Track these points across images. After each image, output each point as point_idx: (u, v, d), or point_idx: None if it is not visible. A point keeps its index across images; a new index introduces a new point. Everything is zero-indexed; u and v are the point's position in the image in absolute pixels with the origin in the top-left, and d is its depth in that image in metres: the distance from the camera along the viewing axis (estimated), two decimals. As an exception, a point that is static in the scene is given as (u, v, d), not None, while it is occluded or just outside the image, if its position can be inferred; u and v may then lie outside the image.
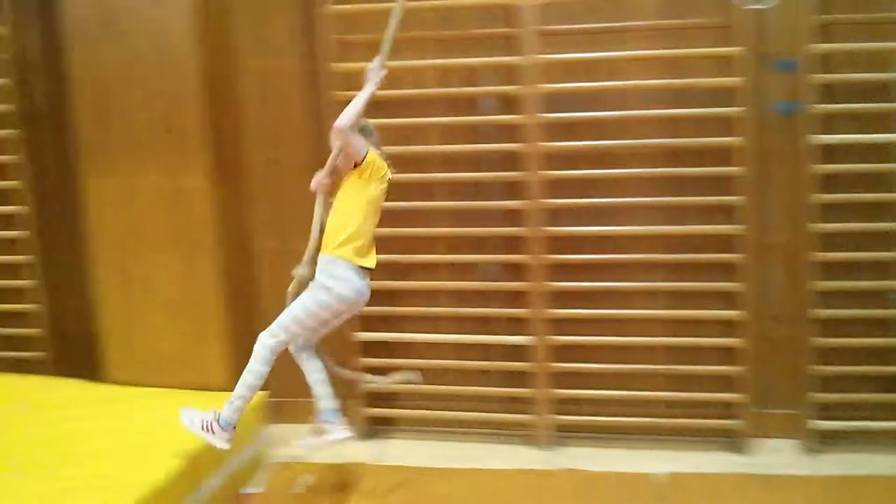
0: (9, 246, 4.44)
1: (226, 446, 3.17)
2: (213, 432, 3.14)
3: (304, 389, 3.39)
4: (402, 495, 3.52)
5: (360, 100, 3.07)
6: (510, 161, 3.99)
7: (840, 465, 3.74)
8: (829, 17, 3.73)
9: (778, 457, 3.87)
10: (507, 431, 4.19)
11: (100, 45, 3.87)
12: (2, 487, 3.01)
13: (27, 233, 4.39)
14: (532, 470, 3.80)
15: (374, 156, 3.12)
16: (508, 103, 3.99)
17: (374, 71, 3.12)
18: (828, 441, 3.93)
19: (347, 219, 3.11)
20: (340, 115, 3.02)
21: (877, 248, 3.82)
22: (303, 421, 3.54)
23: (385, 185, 3.19)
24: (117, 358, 4.14)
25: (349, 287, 3.11)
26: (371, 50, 3.18)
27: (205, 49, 3.88)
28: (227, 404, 3.15)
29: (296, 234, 3.41)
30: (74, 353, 4.45)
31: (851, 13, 3.76)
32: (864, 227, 3.80)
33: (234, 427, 3.18)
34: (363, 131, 3.17)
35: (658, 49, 3.86)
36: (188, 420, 3.19)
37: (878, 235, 3.82)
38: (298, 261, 3.25)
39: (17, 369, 4.37)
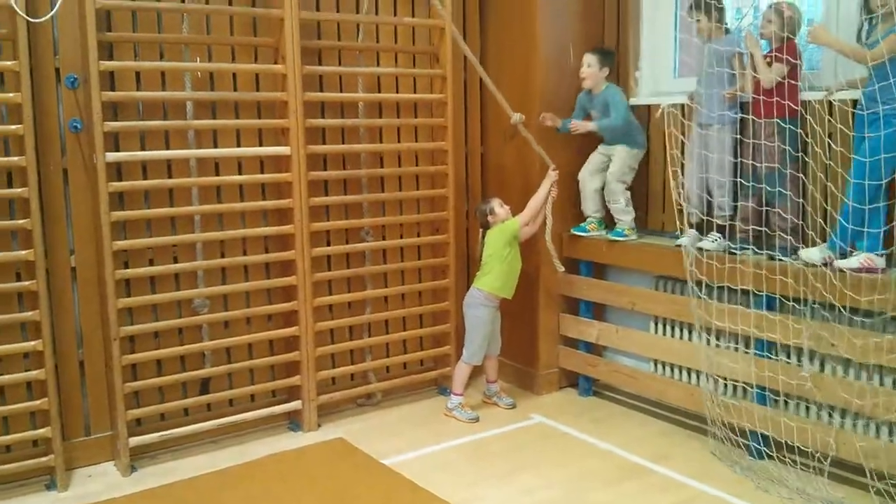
0: None
1: None
2: None
3: None
4: None
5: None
6: None
7: (157, 477, 3.82)
8: (113, 35, 3.74)
9: (97, 483, 3.77)
10: None
11: None
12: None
13: None
14: None
15: None
16: None
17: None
18: (145, 455, 3.99)
19: None
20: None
21: (171, 260, 4.00)
22: None
23: None
24: None
25: None
26: None
27: None
28: None
29: None
30: None
31: (133, 32, 3.84)
32: (159, 241, 3.93)
33: None
34: None
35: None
36: None
37: (169, 248, 4.00)
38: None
39: None
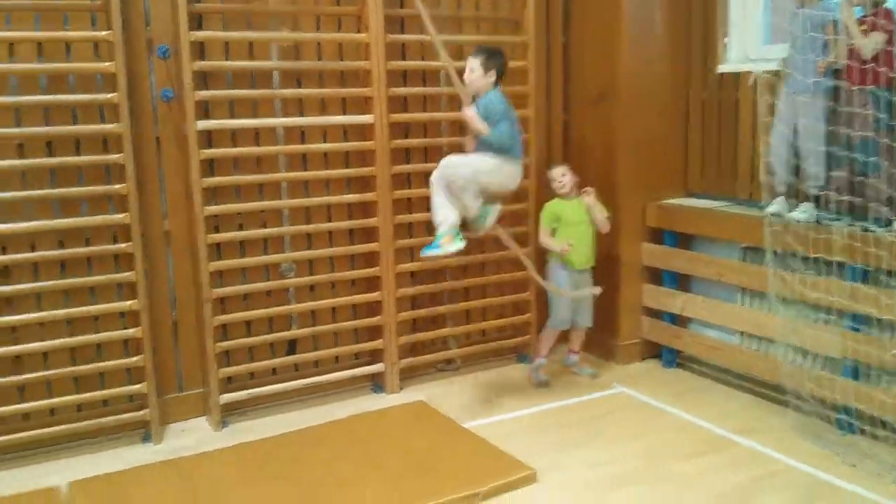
0: None
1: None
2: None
3: None
4: None
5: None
6: None
7: (246, 433, 3.97)
8: (202, 6, 3.83)
9: (189, 438, 3.95)
10: None
11: None
12: None
13: None
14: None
15: None
16: None
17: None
18: (234, 411, 4.15)
19: None
20: None
21: (259, 226, 4.12)
22: None
23: None
24: None
25: None
26: None
27: None
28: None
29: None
30: None
31: (222, 3, 3.93)
32: (248, 206, 4.05)
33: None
34: None
35: (28, 31, 3.56)
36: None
37: (257, 214, 4.12)
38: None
39: None
